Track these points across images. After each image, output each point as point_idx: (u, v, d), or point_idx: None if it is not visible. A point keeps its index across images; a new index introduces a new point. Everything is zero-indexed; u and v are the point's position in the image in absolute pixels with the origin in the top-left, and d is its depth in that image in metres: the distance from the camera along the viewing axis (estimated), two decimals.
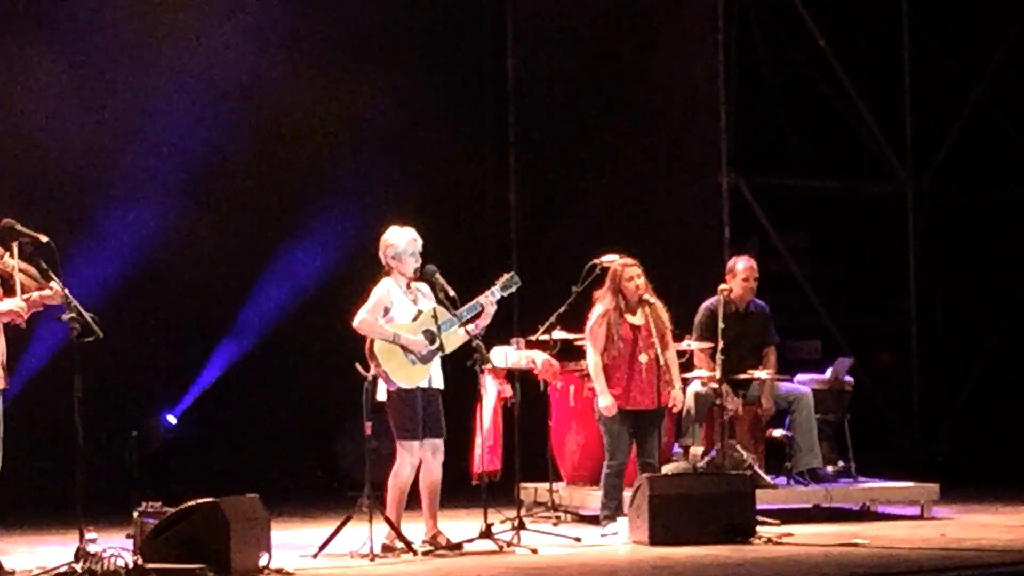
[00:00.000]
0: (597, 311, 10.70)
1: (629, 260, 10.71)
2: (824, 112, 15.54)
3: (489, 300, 10.01)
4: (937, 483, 11.78)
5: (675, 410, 10.79)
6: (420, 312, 9.89)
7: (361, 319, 9.84)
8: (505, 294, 10.17)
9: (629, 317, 10.62)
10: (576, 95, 15.32)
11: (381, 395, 9.89)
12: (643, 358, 10.59)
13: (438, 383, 9.95)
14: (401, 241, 9.95)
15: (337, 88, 14.99)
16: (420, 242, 9.97)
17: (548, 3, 15.73)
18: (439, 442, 9.96)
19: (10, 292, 8.60)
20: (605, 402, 10.58)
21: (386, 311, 9.91)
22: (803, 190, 15.60)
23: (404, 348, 9.80)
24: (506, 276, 10.20)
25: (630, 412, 10.59)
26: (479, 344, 9.92)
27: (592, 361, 10.67)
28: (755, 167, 14.78)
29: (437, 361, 9.94)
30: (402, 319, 9.88)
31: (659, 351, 10.46)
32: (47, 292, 8.60)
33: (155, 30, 14.34)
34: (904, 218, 15.53)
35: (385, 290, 9.94)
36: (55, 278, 8.58)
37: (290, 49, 14.81)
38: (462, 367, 10.07)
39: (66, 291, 8.56)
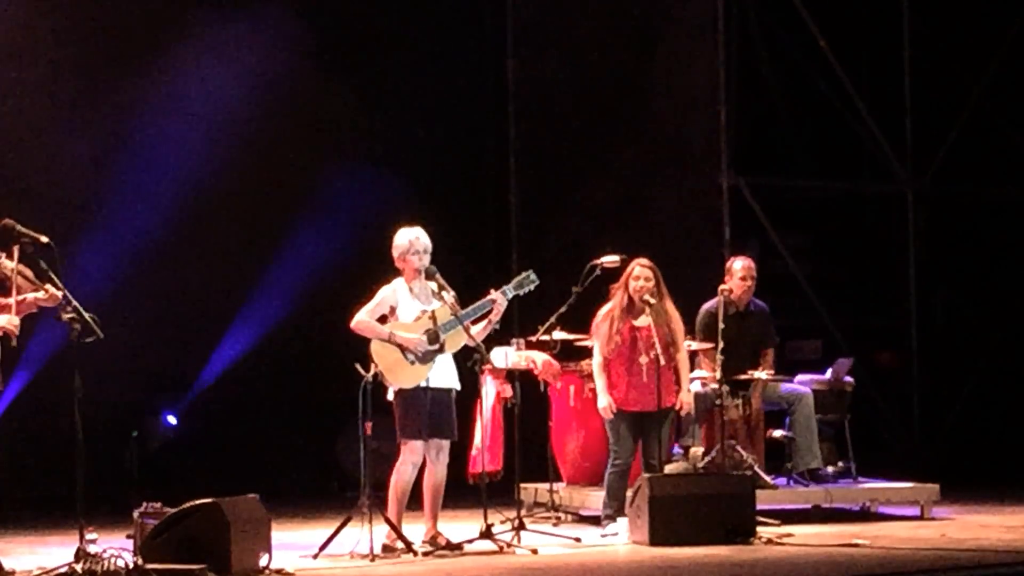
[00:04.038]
0: (605, 308, 10.71)
1: (644, 261, 10.68)
2: (824, 112, 15.54)
3: (500, 299, 9.99)
4: (937, 483, 11.78)
5: (683, 413, 10.78)
6: (423, 311, 9.90)
7: (357, 319, 9.85)
8: (521, 292, 10.14)
9: (632, 318, 10.61)
10: (576, 95, 15.31)
11: (391, 395, 9.89)
12: (643, 360, 10.57)
13: (447, 383, 9.92)
14: (404, 240, 9.97)
15: (338, 88, 15.00)
16: (426, 240, 9.95)
17: (548, 3, 15.73)
18: (444, 443, 9.95)
19: (6, 293, 8.61)
20: (602, 402, 10.59)
21: (392, 310, 9.92)
22: (803, 190, 15.61)
23: (401, 347, 9.80)
24: (521, 275, 10.18)
25: (631, 413, 10.59)
26: (479, 345, 9.92)
27: (595, 360, 10.68)
28: (755, 167, 14.78)
29: (446, 361, 9.92)
30: (405, 318, 9.88)
31: (659, 353, 10.45)
32: (41, 295, 8.60)
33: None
34: (904, 218, 15.53)
35: (392, 290, 9.95)
36: (54, 278, 8.58)
37: (292, 49, 14.81)
38: (462, 367, 10.07)
39: (65, 292, 8.56)
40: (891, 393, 15.33)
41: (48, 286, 8.58)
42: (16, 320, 8.55)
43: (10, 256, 8.56)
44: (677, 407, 10.64)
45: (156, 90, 14.37)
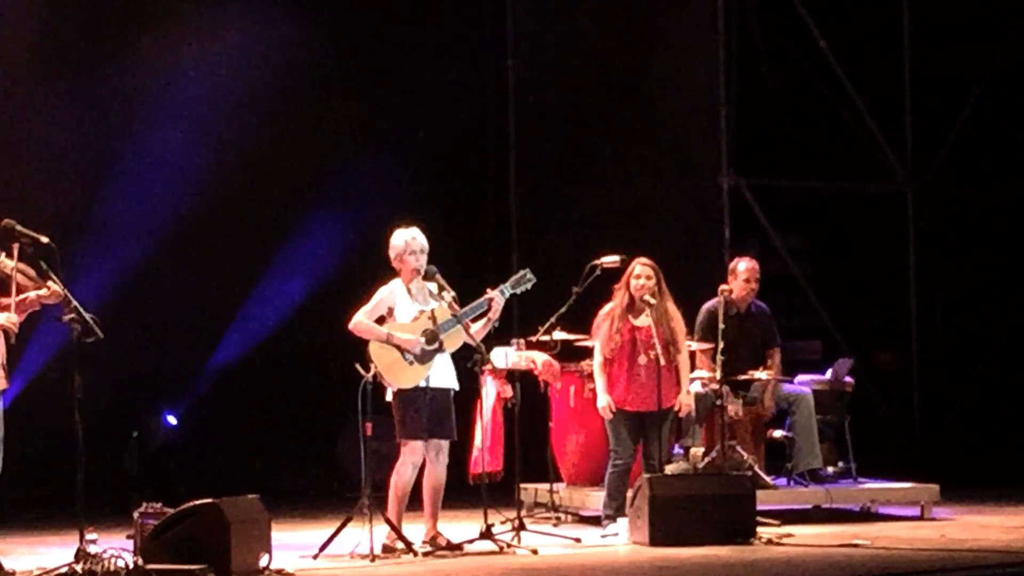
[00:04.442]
0: (606, 308, 10.71)
1: (645, 260, 10.68)
2: (824, 112, 15.52)
3: (497, 297, 9.98)
4: (937, 484, 11.78)
5: (681, 414, 10.78)
6: (421, 312, 9.89)
7: (355, 321, 9.86)
8: (518, 291, 10.14)
9: (632, 318, 10.60)
10: (576, 96, 15.30)
11: (390, 396, 9.88)
12: (642, 360, 10.57)
13: (446, 383, 9.92)
14: (400, 241, 9.97)
15: (338, 88, 14.99)
16: (422, 241, 9.95)
17: (548, 3, 15.72)
18: (444, 443, 9.94)
19: (7, 293, 8.62)
20: (602, 402, 10.60)
21: (390, 311, 9.91)
22: (803, 191, 15.59)
23: (400, 348, 9.79)
24: (519, 273, 10.18)
25: (631, 413, 10.59)
26: (479, 345, 9.92)
27: (596, 359, 10.68)
28: (755, 168, 14.77)
29: (444, 361, 9.92)
30: (403, 319, 9.88)
31: (659, 353, 10.44)
32: (43, 292, 8.61)
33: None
34: (904, 219, 15.52)
35: (389, 291, 9.95)
36: (54, 278, 8.59)
37: (291, 50, 14.80)
38: (462, 367, 10.06)
39: (66, 291, 8.57)
40: (891, 394, 15.33)
41: (50, 283, 8.59)
42: (15, 318, 8.56)
43: (10, 256, 8.57)
44: (676, 408, 10.63)
45: (155, 89, 14.35)
